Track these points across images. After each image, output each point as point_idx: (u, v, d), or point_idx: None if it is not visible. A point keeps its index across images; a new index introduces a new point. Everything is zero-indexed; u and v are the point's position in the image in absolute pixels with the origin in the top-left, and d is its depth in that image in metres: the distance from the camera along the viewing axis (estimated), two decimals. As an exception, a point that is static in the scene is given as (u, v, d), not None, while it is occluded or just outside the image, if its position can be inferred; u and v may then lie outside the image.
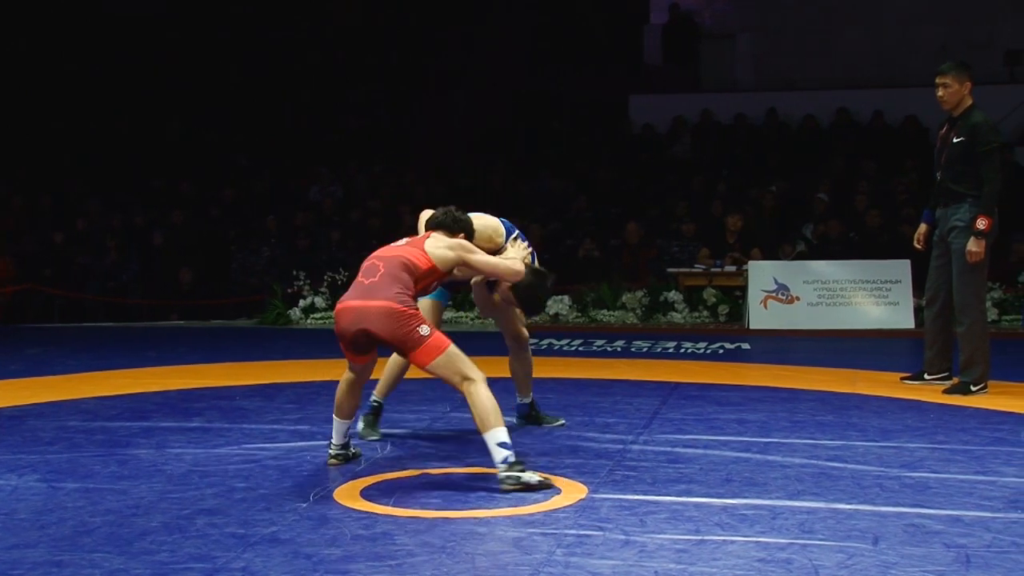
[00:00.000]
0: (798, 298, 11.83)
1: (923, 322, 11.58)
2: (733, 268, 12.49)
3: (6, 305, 14.00)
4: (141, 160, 17.21)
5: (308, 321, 12.79)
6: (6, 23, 18.36)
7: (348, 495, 4.75)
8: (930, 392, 7.45)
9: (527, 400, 6.25)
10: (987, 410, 6.76)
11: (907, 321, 11.60)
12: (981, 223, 7.26)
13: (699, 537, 4.15)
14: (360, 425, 5.89)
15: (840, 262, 12.15)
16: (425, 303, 5.71)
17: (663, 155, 16.92)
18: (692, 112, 17.20)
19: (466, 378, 4.90)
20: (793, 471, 5.16)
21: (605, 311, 12.56)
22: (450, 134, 17.89)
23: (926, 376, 7.81)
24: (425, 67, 18.87)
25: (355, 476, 5.10)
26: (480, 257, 5.24)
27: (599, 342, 10.66)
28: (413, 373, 6.05)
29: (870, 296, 11.80)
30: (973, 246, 7.27)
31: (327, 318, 12.78)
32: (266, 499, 4.69)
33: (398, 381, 6.05)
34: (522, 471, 4.78)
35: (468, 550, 4.01)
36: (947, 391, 7.42)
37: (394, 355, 5.84)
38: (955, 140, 7.52)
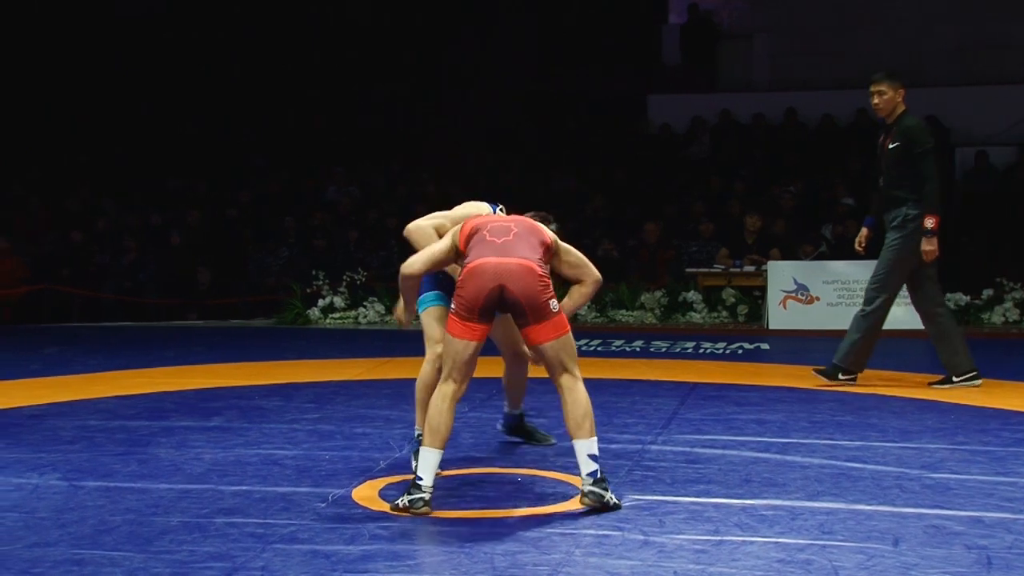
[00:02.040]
0: (817, 298, 11.78)
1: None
2: (752, 268, 12.46)
3: (19, 305, 14.05)
4: (158, 160, 17.26)
5: (327, 321, 12.80)
6: (26, 27, 18.44)
7: (367, 495, 4.75)
8: (949, 393, 7.41)
9: (517, 411, 5.88)
10: (1008, 411, 6.73)
11: (927, 322, 11.53)
12: (929, 222, 7.49)
13: (718, 538, 4.14)
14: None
15: (860, 262, 12.06)
16: (437, 311, 5.31)
17: (681, 155, 16.89)
18: (710, 112, 17.16)
19: (570, 372, 4.58)
20: (812, 472, 5.14)
21: (624, 311, 12.54)
22: (466, 133, 17.88)
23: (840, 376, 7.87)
24: (441, 66, 18.87)
25: (374, 476, 5.10)
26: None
27: (617, 342, 10.64)
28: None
29: (889, 297, 11.73)
30: (926, 245, 7.51)
31: (346, 318, 12.80)
32: (285, 498, 4.70)
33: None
34: (605, 489, 4.47)
35: (487, 550, 4.01)
36: (933, 383, 7.72)
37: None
38: (891, 146, 7.72)
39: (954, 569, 3.77)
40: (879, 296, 7.75)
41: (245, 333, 12.20)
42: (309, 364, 9.16)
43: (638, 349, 10.19)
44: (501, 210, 5.29)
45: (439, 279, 5.37)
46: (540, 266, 4.58)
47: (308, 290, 13.10)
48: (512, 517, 4.43)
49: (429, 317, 5.29)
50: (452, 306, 4.60)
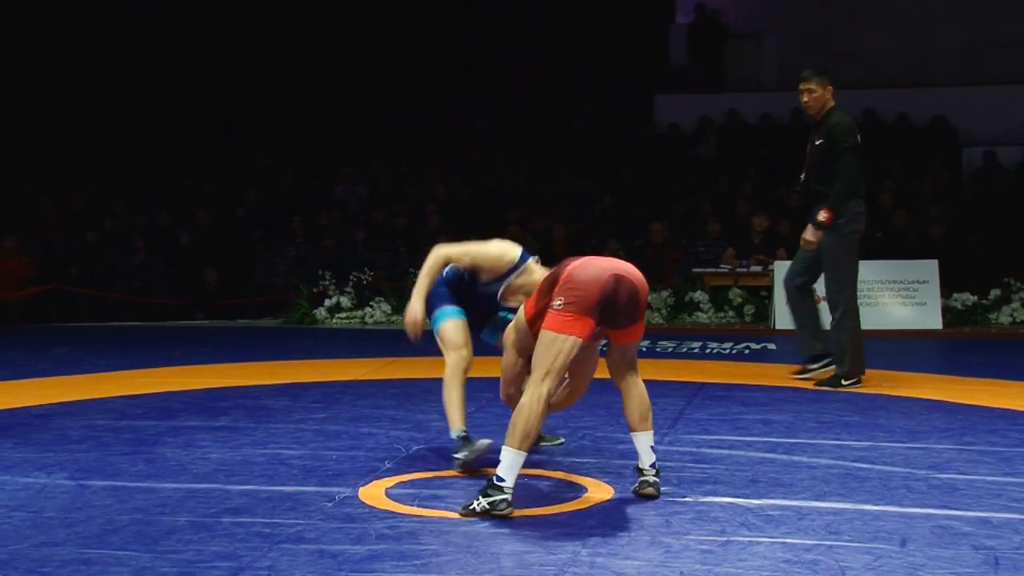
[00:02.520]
0: (824, 298, 11.75)
1: (949, 323, 11.64)
2: (759, 268, 12.45)
3: (27, 305, 14.07)
4: (166, 160, 17.28)
5: (334, 321, 12.81)
6: (34, 27, 18.47)
7: (373, 495, 4.76)
8: (957, 393, 7.40)
9: None
10: (1016, 411, 6.72)
11: (935, 322, 11.53)
12: (821, 215, 7.56)
13: (725, 538, 4.14)
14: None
15: (867, 262, 12.02)
16: (459, 323, 5.39)
17: (688, 155, 16.89)
18: (718, 112, 17.15)
19: (634, 369, 4.76)
20: (819, 472, 5.14)
21: (630, 311, 12.52)
22: (474, 133, 17.89)
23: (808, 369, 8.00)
24: (448, 66, 18.88)
25: (380, 476, 5.11)
26: None
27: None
28: (438, 373, 6.04)
29: (897, 296, 11.73)
30: (808, 234, 7.61)
31: (352, 318, 12.80)
32: (292, 498, 4.71)
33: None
34: (659, 478, 4.72)
35: (493, 550, 4.01)
36: (819, 383, 7.68)
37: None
38: (817, 142, 7.80)
39: (961, 570, 3.76)
40: (840, 297, 7.77)
41: (252, 333, 12.21)
42: (316, 364, 9.17)
43: (644, 349, 10.17)
44: (536, 260, 5.32)
45: (456, 292, 5.43)
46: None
47: (315, 290, 13.10)
48: (519, 517, 4.42)
49: (446, 327, 5.38)
50: (557, 302, 4.47)
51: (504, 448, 4.41)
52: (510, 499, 4.37)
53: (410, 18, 19.33)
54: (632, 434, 4.75)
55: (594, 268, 4.53)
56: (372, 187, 16.60)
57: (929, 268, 11.74)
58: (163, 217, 15.49)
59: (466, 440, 5.18)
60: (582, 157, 16.66)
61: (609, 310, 4.53)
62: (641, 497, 4.66)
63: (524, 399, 4.44)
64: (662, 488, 4.81)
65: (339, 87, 18.88)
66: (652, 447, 4.73)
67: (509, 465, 4.38)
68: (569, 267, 4.58)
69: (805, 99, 7.89)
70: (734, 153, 16.58)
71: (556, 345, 4.45)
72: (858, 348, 7.71)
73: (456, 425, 5.24)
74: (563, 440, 5.83)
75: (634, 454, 5.46)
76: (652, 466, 4.70)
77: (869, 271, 11.88)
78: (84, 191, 16.57)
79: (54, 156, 17.32)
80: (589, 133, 17.70)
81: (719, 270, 12.76)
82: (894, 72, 17.41)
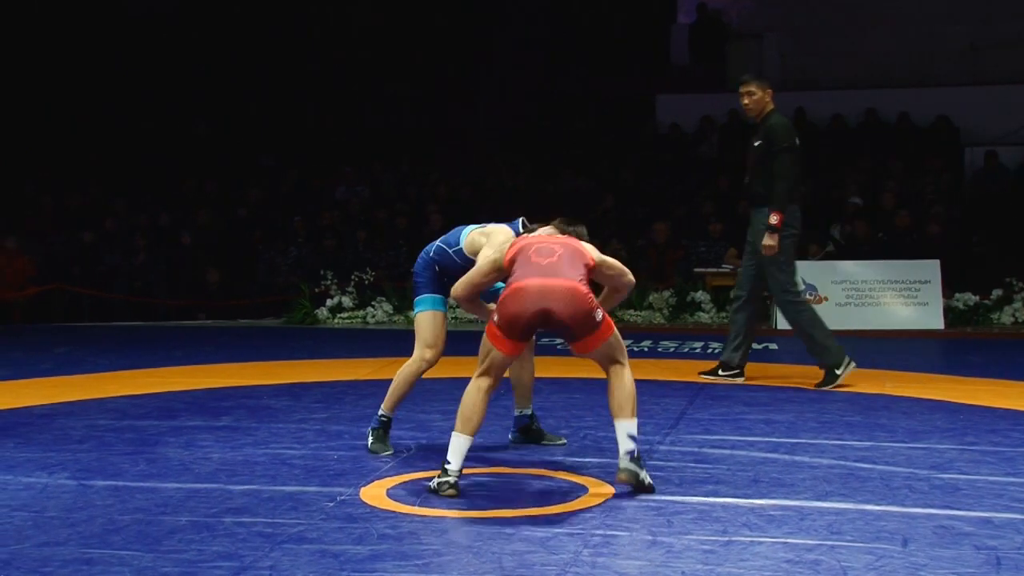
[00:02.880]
0: (826, 298, 11.77)
1: (951, 323, 11.65)
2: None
3: (29, 305, 14.09)
4: (168, 160, 17.29)
5: (335, 321, 12.82)
6: (34, 28, 18.49)
7: (375, 495, 4.76)
8: (959, 393, 7.40)
9: (528, 411, 5.85)
10: (1018, 411, 6.72)
11: (936, 322, 11.53)
12: (773, 218, 7.59)
13: (726, 538, 4.14)
14: (370, 440, 5.64)
15: (869, 262, 12.10)
16: (434, 315, 5.53)
17: (690, 154, 16.88)
18: (719, 112, 17.14)
19: (617, 362, 4.80)
20: (821, 472, 5.14)
21: (632, 311, 12.54)
22: (475, 133, 17.90)
23: (720, 372, 8.03)
24: (450, 66, 18.88)
25: (382, 476, 5.11)
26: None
27: (626, 342, 10.59)
28: (440, 373, 6.06)
29: (899, 296, 11.73)
30: (767, 240, 7.59)
31: (354, 317, 12.81)
32: (293, 498, 4.71)
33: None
34: (641, 467, 4.69)
35: (494, 550, 4.01)
36: (818, 384, 7.65)
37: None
38: (755, 144, 7.84)
39: (963, 570, 3.76)
40: (789, 298, 7.84)
41: (254, 333, 12.22)
42: (317, 364, 9.17)
43: (646, 349, 10.19)
44: (524, 223, 5.42)
45: (439, 280, 5.51)
46: (584, 284, 4.71)
47: (317, 290, 13.11)
48: (520, 517, 4.43)
49: (423, 318, 5.55)
50: (495, 317, 4.72)
51: (454, 434, 4.73)
52: (452, 481, 4.66)
53: (411, 18, 19.34)
54: (614, 422, 4.77)
55: (524, 300, 4.65)
56: (374, 187, 16.60)
57: (931, 268, 11.74)
58: (165, 217, 15.50)
59: (384, 425, 5.59)
60: (584, 157, 16.66)
61: (544, 329, 4.77)
62: (620, 483, 4.71)
63: (469, 389, 4.79)
64: (662, 487, 4.81)
65: (341, 87, 18.89)
66: (631, 435, 4.68)
67: (454, 449, 4.70)
68: (511, 285, 4.72)
69: (745, 102, 7.96)
70: (736, 153, 16.56)
71: (492, 352, 4.77)
72: (829, 334, 7.77)
73: (385, 408, 5.63)
74: (565, 441, 5.83)
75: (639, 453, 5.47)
76: (628, 453, 4.67)
77: (871, 271, 11.92)
78: (86, 191, 16.58)
79: (56, 156, 17.34)
80: (590, 133, 17.69)
81: (721, 270, 12.76)
82: (896, 72, 17.42)
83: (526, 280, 4.68)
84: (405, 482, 4.99)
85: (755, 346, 10.27)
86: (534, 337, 5.35)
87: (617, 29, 19.16)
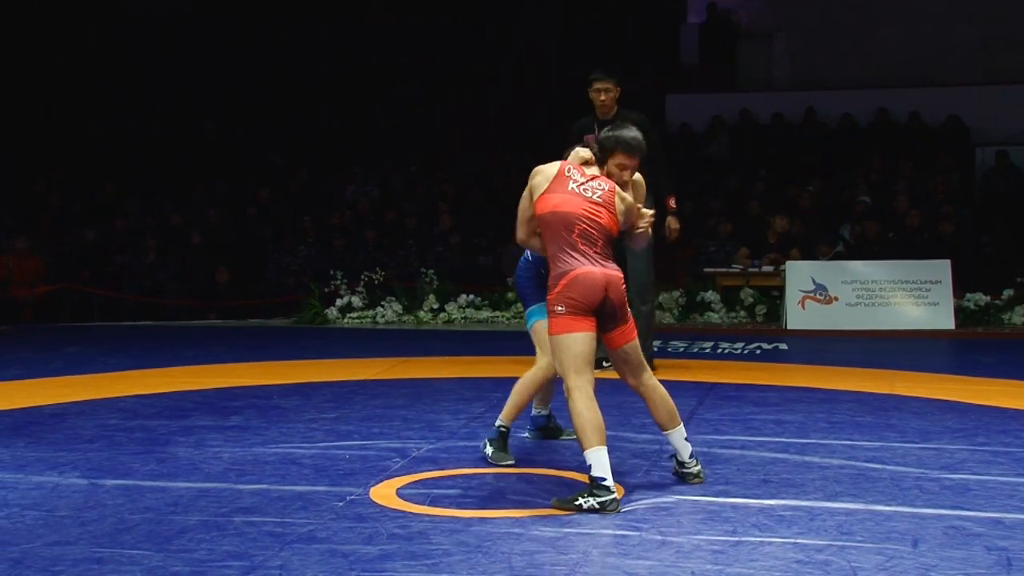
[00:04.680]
0: (836, 298, 11.74)
1: (961, 323, 11.61)
2: (771, 268, 12.42)
3: (40, 305, 14.12)
4: (178, 160, 17.31)
5: (345, 320, 12.82)
6: (42, 28, 18.53)
7: (384, 494, 4.76)
8: (970, 393, 7.37)
9: (545, 412, 5.91)
10: (1028, 412, 6.69)
11: (947, 322, 11.49)
12: (673, 203, 8.07)
13: (736, 538, 4.14)
14: (490, 451, 5.52)
15: (879, 262, 12.06)
16: (543, 324, 5.25)
17: (700, 154, 16.86)
18: (730, 112, 17.12)
19: (646, 370, 4.95)
20: (831, 472, 5.13)
21: (641, 311, 12.52)
22: (485, 133, 17.89)
23: (604, 364, 7.93)
24: (459, 66, 18.88)
25: (391, 475, 5.11)
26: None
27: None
28: (447, 373, 6.06)
29: (909, 296, 11.70)
30: (676, 224, 8.30)
31: (364, 317, 12.81)
32: (303, 498, 4.71)
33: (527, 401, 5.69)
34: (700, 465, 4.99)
35: (504, 550, 4.01)
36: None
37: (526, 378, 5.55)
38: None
39: (974, 571, 3.75)
40: (650, 292, 8.23)
41: (264, 333, 12.23)
42: (327, 364, 9.18)
43: (656, 349, 10.15)
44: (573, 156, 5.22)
45: (545, 285, 5.37)
46: (621, 274, 4.85)
47: (326, 290, 13.12)
48: (530, 517, 4.43)
49: (541, 328, 5.33)
50: (559, 308, 4.72)
51: (584, 453, 4.57)
52: (618, 497, 4.54)
53: (421, 19, 19.34)
54: (665, 434, 4.95)
55: (592, 283, 4.71)
56: (383, 187, 16.60)
57: (941, 268, 11.70)
58: (175, 217, 15.52)
59: (502, 435, 5.45)
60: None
61: (597, 315, 4.76)
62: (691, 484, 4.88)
63: (572, 406, 4.67)
64: (672, 488, 4.81)
65: (350, 87, 18.90)
66: (686, 438, 4.95)
67: (601, 463, 4.53)
68: (571, 272, 4.72)
69: (602, 98, 8.07)
70: (746, 153, 16.56)
71: (574, 345, 4.69)
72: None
73: (504, 418, 5.51)
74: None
75: (646, 454, 5.47)
76: (692, 456, 4.94)
77: (881, 271, 11.88)
78: (96, 191, 16.61)
79: (66, 156, 17.37)
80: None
81: (731, 270, 12.73)
82: (906, 71, 17.37)
83: (585, 268, 4.72)
84: (414, 482, 5.00)
85: (765, 346, 10.29)
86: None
87: (627, 29, 19.14)
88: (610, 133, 5.07)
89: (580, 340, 4.69)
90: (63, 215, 15.91)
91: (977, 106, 16.19)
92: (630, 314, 4.88)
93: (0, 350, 10.36)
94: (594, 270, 4.73)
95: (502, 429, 5.48)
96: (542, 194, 4.93)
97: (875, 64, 17.54)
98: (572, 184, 4.91)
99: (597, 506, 4.47)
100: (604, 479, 4.50)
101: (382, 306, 12.86)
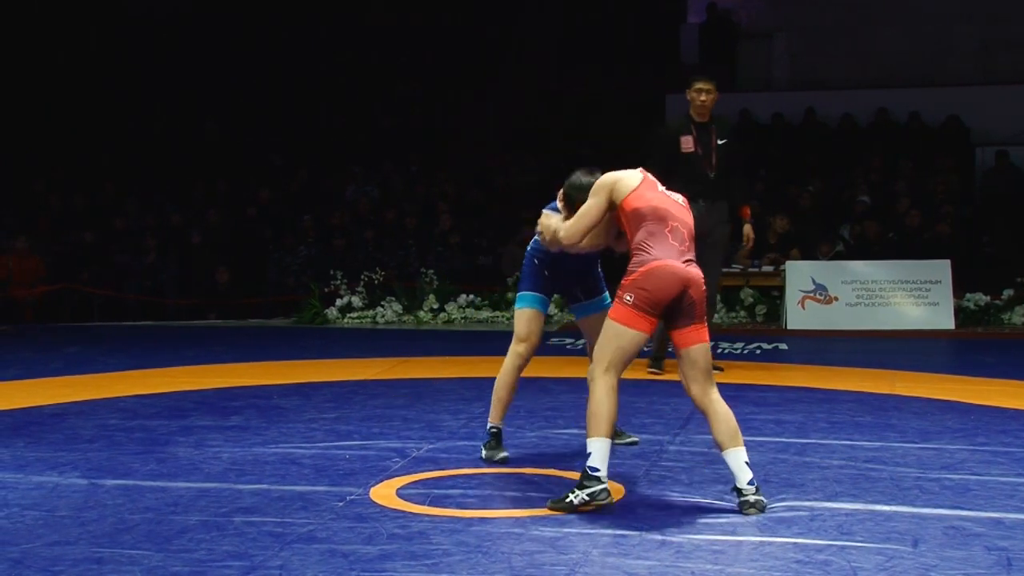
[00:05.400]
0: (836, 298, 11.75)
1: (961, 323, 11.61)
2: (771, 268, 12.42)
3: (40, 304, 14.11)
4: (178, 160, 17.31)
5: (345, 320, 12.82)
6: (43, 28, 18.53)
7: (384, 494, 4.76)
8: (970, 393, 7.38)
9: None
10: (1028, 412, 6.70)
11: (947, 322, 11.49)
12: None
13: (736, 538, 4.14)
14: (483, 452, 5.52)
15: (879, 262, 12.06)
16: (531, 313, 5.43)
17: (700, 154, 16.84)
18: (729, 111, 17.10)
19: (713, 383, 4.69)
20: (831, 472, 5.13)
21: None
22: (485, 133, 17.89)
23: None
24: (460, 66, 18.88)
25: (391, 475, 5.11)
26: None
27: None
28: (447, 373, 6.06)
29: (909, 296, 11.70)
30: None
31: (364, 317, 12.81)
32: (303, 497, 4.71)
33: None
34: (761, 494, 4.55)
35: (504, 550, 4.01)
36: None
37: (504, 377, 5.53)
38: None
39: (974, 571, 3.75)
40: None
41: (264, 332, 12.23)
42: (327, 364, 9.18)
43: (656, 349, 10.16)
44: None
45: (539, 274, 5.44)
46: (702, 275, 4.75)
47: (326, 290, 13.12)
48: (530, 517, 4.42)
49: (521, 315, 5.44)
50: (628, 297, 4.59)
51: (588, 440, 4.49)
52: (608, 488, 4.45)
53: (422, 18, 19.33)
54: (723, 453, 4.59)
55: (670, 277, 4.59)
56: (383, 187, 16.60)
57: (941, 268, 11.70)
58: (175, 217, 15.52)
59: (494, 436, 5.44)
60: (594, 157, 16.63)
61: (672, 311, 4.63)
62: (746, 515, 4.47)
63: (594, 392, 4.56)
64: (672, 488, 4.81)
65: (351, 87, 18.90)
66: (747, 463, 4.55)
67: (601, 454, 4.47)
68: (652, 264, 4.60)
69: (702, 99, 8.20)
70: (746, 153, 16.54)
71: (624, 338, 4.59)
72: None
73: (492, 418, 5.49)
74: (638, 439, 5.79)
75: (646, 454, 5.47)
76: (750, 483, 4.51)
77: (881, 271, 11.88)
78: (97, 191, 16.61)
79: (66, 156, 17.37)
80: (601, 133, 17.67)
81: (731, 270, 12.73)
82: (906, 71, 17.37)
83: (669, 261, 4.61)
84: (415, 482, 5.00)
85: (765, 346, 10.29)
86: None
87: (627, 29, 19.13)
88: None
89: (632, 338, 4.58)
90: (63, 215, 15.91)
91: (977, 106, 16.18)
92: (706, 320, 4.71)
93: (0, 350, 10.35)
94: (676, 264, 4.63)
95: (492, 430, 5.48)
96: (633, 192, 4.82)
97: (875, 64, 17.53)
98: (661, 188, 4.90)
99: (587, 498, 4.43)
100: (598, 470, 4.45)
101: (382, 306, 12.86)
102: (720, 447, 4.59)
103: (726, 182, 8.15)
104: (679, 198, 4.89)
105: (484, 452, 5.46)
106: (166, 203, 16.12)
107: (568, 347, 9.94)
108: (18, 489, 4.92)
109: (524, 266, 5.56)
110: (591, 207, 4.94)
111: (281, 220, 15.50)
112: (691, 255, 4.70)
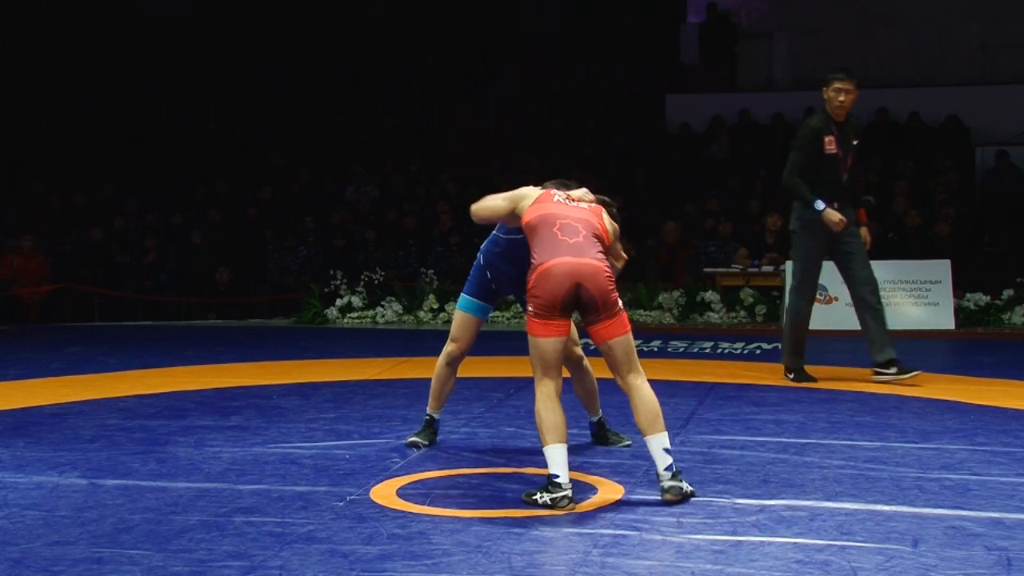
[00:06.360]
0: (836, 298, 11.72)
1: (961, 323, 11.61)
2: (770, 268, 12.42)
3: (42, 304, 14.12)
4: (179, 160, 17.32)
5: (345, 320, 12.83)
6: (43, 28, 18.53)
7: (384, 494, 4.76)
8: (970, 393, 7.38)
9: (595, 418, 5.87)
10: (1028, 412, 6.69)
11: (947, 322, 11.49)
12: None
13: (736, 538, 4.13)
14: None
15: (879, 262, 12.02)
16: (464, 317, 5.67)
17: (700, 155, 16.86)
18: (729, 112, 17.12)
19: (636, 370, 4.77)
20: (831, 472, 5.13)
21: (641, 311, 12.53)
22: (485, 134, 17.89)
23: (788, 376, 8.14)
24: (460, 66, 18.88)
25: (391, 475, 5.11)
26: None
27: (635, 342, 10.61)
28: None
29: (910, 296, 11.70)
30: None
31: (364, 317, 12.81)
32: (303, 497, 4.71)
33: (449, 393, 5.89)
34: (681, 480, 4.64)
35: (504, 550, 4.01)
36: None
37: (442, 365, 5.71)
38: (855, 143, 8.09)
39: (974, 571, 3.75)
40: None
41: (264, 332, 12.23)
42: (327, 364, 9.18)
43: (656, 349, 10.18)
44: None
45: (482, 280, 5.59)
46: (608, 266, 4.79)
47: (326, 289, 13.12)
48: (530, 517, 4.43)
49: (455, 317, 5.75)
50: (529, 309, 4.72)
51: (543, 449, 4.64)
52: (570, 495, 4.54)
53: (423, 18, 19.33)
54: (644, 439, 4.70)
55: (556, 278, 4.66)
56: (384, 187, 16.61)
57: (941, 268, 11.70)
58: (176, 216, 15.52)
59: (427, 424, 5.74)
60: (595, 157, 16.64)
61: (572, 307, 4.74)
62: (668, 503, 4.57)
63: (534, 405, 4.71)
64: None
65: (351, 87, 18.90)
66: (666, 449, 4.64)
67: (556, 461, 4.57)
68: (540, 267, 4.70)
69: (841, 99, 8.09)
70: (746, 153, 16.55)
71: (539, 348, 4.72)
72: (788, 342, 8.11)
73: (428, 407, 5.80)
74: (630, 442, 5.76)
75: (645, 454, 5.46)
76: (667, 469, 4.60)
77: (881, 271, 11.83)
78: (97, 191, 16.61)
79: (67, 156, 17.37)
80: (600, 133, 17.68)
81: (731, 270, 12.74)
82: (906, 71, 17.38)
83: (555, 260, 4.68)
84: (415, 482, 5.00)
85: (765, 346, 10.29)
86: (580, 350, 5.58)
87: (627, 29, 19.14)
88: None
89: (544, 345, 4.69)
90: (63, 215, 15.91)
91: (977, 106, 16.18)
92: (620, 309, 4.74)
93: (1, 350, 10.36)
94: (562, 261, 4.67)
95: (426, 417, 5.79)
96: (530, 207, 4.95)
97: (875, 64, 17.53)
98: (557, 197, 5.00)
99: (550, 502, 4.51)
100: (557, 476, 4.54)
101: (382, 306, 12.87)
102: (642, 433, 4.73)
103: (853, 185, 8.01)
104: (584, 205, 5.00)
105: (409, 437, 5.74)
106: (166, 203, 16.12)
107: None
108: (18, 489, 4.92)
109: (473, 266, 5.72)
110: (498, 202, 5.15)
111: (282, 220, 15.51)
112: (593, 246, 4.77)
